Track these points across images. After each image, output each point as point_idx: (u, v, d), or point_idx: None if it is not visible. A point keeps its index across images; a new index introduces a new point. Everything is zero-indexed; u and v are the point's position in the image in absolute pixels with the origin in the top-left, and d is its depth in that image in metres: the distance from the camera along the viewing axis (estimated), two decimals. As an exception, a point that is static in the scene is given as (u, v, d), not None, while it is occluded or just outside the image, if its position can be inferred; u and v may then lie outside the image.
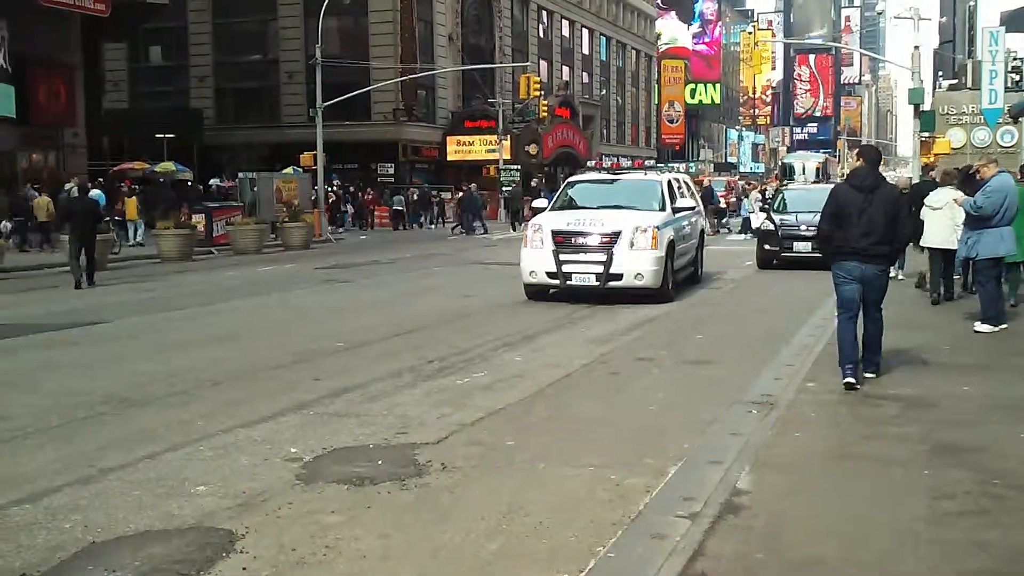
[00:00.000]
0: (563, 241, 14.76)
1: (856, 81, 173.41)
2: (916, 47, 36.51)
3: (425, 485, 5.97)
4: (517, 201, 42.72)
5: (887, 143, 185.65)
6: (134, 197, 31.43)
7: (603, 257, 14.48)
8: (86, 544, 5.03)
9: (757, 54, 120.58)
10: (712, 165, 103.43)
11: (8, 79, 30.94)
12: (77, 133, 36.21)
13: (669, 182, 16.91)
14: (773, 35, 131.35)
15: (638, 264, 14.45)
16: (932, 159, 36.91)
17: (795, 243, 20.81)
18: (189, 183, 41.47)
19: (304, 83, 49.50)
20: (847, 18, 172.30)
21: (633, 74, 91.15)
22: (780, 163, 73.36)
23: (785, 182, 47.09)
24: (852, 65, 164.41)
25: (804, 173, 53.89)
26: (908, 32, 37.67)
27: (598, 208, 15.78)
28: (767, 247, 21.33)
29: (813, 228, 20.48)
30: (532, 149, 55.81)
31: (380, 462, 6.45)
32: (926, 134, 37.07)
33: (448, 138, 55.64)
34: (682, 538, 4.84)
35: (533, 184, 51.49)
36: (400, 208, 43.68)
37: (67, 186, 31.79)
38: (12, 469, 6.41)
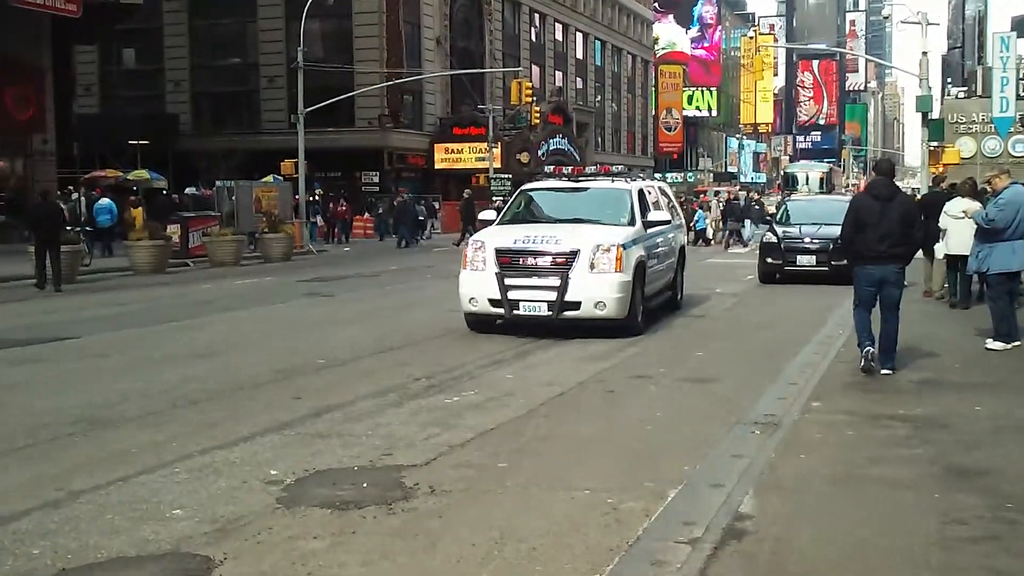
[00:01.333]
0: (509, 262, 12.95)
1: (861, 88, 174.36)
2: (924, 53, 36.63)
3: (413, 509, 5.95)
4: (469, 210, 37.12)
5: (894, 152, 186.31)
6: (140, 208, 31.31)
7: (557, 281, 12.62)
8: (56, 571, 4.99)
9: (759, 60, 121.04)
10: (712, 175, 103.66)
11: (-26, 83, 30.91)
12: (46, 139, 36.17)
13: (641, 192, 14.98)
14: (775, 40, 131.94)
15: (599, 290, 12.62)
16: (941, 169, 37.00)
17: (799, 256, 20.82)
18: (163, 192, 41.40)
19: (285, 88, 49.50)
20: (852, 23, 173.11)
21: (629, 80, 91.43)
22: (783, 173, 73.72)
23: (788, 192, 47.26)
24: (857, 71, 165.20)
25: (808, 183, 54.19)
26: (916, 37, 37.84)
27: (554, 222, 14.26)
28: (769, 260, 21.30)
29: (818, 241, 20.71)
30: (524, 157, 55.92)
31: (365, 485, 6.43)
32: (935, 143, 37.09)
33: (436, 146, 55.73)
34: (682, 565, 4.84)
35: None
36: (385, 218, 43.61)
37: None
38: (-21, 492, 6.37)
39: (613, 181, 15.44)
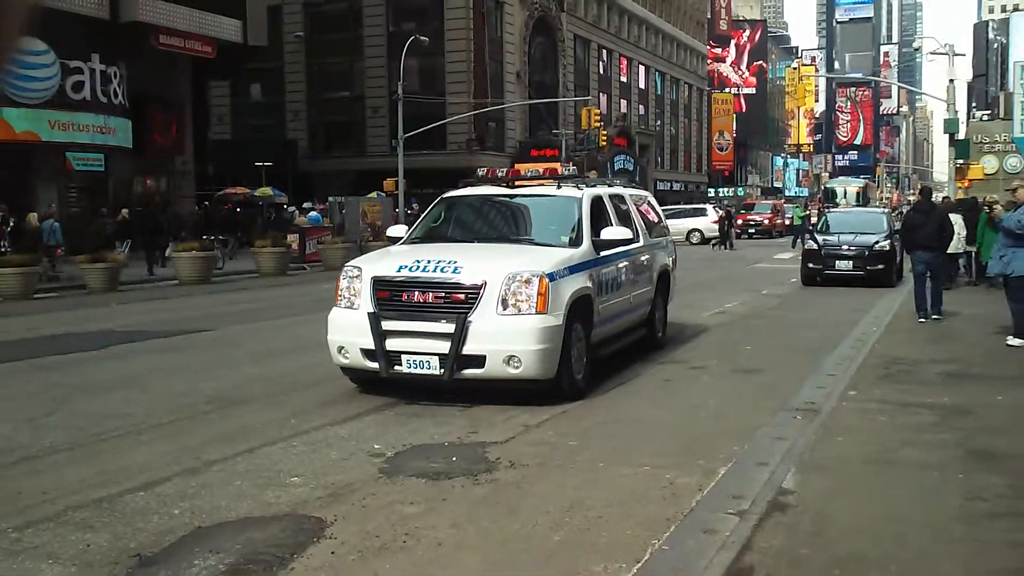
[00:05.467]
0: (388, 297, 8.32)
1: (894, 112, 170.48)
2: (951, 80, 35.85)
3: (495, 480, 5.98)
4: None
5: (924, 169, 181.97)
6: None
7: (451, 327, 7.95)
8: (192, 528, 5.11)
9: (801, 88, 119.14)
10: (759, 189, 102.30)
11: (126, 114, 31.77)
12: (186, 161, 37.06)
13: (597, 201, 9.99)
14: (816, 70, 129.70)
15: (512, 339, 7.92)
16: (966, 184, 36.19)
17: (837, 261, 20.60)
18: (284, 206, 42.10)
19: (387, 116, 50.02)
20: (886, 54, 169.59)
21: (686, 106, 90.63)
22: (823, 188, 72.37)
23: (828, 205, 46.55)
24: (891, 97, 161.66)
25: (845, 197, 53.14)
26: (943, 67, 36.98)
27: (469, 242, 9.54)
28: (811, 265, 21.09)
29: (855, 248, 20.47)
30: (592, 175, 55.63)
31: (454, 459, 6.47)
32: (961, 161, 36.41)
33: (516, 165, 55.74)
34: (731, 533, 4.79)
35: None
36: None
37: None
38: (129, 460, 6.55)
39: (559, 187, 10.07)
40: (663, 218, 12.94)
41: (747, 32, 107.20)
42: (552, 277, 8.19)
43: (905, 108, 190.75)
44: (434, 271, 8.27)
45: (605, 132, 56.00)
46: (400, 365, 8.20)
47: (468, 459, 6.45)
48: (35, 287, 20.45)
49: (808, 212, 43.78)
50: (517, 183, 10.39)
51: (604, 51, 70.38)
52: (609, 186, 11.39)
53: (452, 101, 49.55)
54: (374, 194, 39.50)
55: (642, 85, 78.57)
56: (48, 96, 28.28)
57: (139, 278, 24.56)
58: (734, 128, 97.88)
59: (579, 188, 10.04)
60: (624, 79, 74.50)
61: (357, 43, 53.95)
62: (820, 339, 12.39)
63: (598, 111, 56.67)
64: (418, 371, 8.15)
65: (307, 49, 55.36)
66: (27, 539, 4.96)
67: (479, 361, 7.97)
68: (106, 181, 32.58)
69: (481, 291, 8.04)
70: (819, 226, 23.56)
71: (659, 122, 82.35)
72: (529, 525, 5.11)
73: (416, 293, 8.23)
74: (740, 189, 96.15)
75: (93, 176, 31.81)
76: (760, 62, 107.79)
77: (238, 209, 38.83)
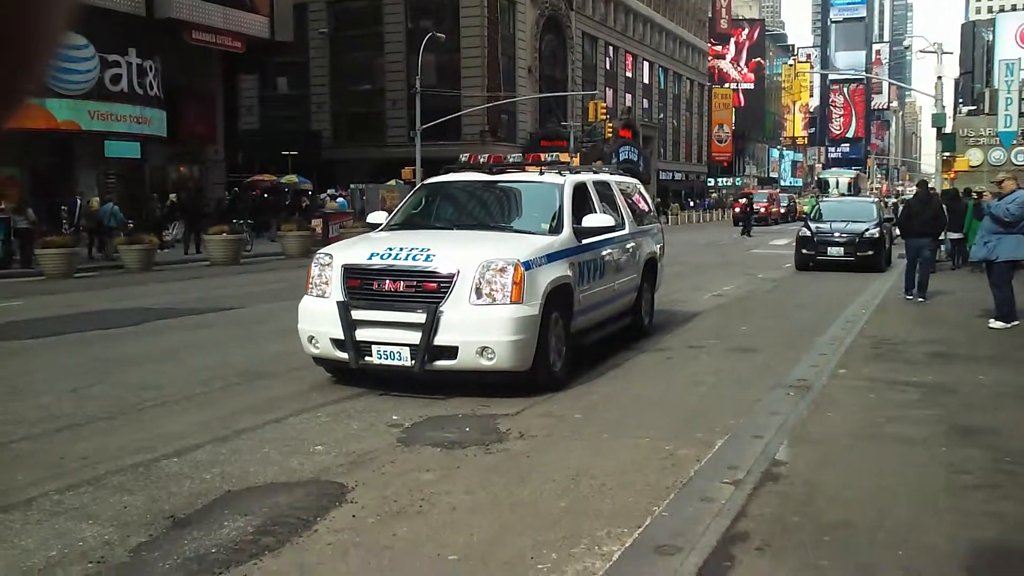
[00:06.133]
0: (359, 285, 7.72)
1: (885, 107, 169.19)
2: (939, 77, 35.52)
3: (505, 450, 5.99)
4: None
5: (912, 161, 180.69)
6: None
7: (422, 316, 7.34)
8: (223, 492, 5.14)
9: (797, 83, 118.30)
10: (756, 179, 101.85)
11: (161, 105, 31.76)
12: (217, 150, 37.05)
13: (579, 188, 9.25)
14: (811, 67, 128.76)
15: (485, 330, 7.29)
16: (952, 175, 35.98)
17: (829, 248, 20.54)
18: (309, 192, 42.11)
19: (405, 108, 49.83)
20: (877, 52, 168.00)
21: (687, 100, 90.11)
22: (816, 178, 71.99)
23: (821, 194, 46.34)
24: (882, 93, 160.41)
25: (838, 187, 52.86)
26: (932, 64, 36.68)
27: (448, 229, 8.83)
28: (804, 251, 21.01)
29: (846, 235, 20.39)
30: (598, 165, 55.55)
31: (467, 429, 6.49)
32: (947, 153, 36.22)
33: (527, 155, 55.64)
34: (727, 501, 4.79)
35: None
36: None
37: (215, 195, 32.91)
38: (163, 428, 6.58)
39: (542, 173, 9.45)
40: (652, 206, 12.27)
41: (746, 31, 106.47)
42: (528, 265, 7.54)
43: (895, 103, 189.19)
44: (406, 259, 7.62)
45: (611, 124, 55.86)
46: (370, 356, 7.56)
47: (480, 430, 6.47)
48: (76, 266, 20.51)
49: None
50: (500, 169, 9.82)
51: (611, 48, 69.99)
52: (595, 173, 10.52)
53: (467, 94, 49.36)
54: (393, 182, 39.47)
55: (646, 80, 78.15)
56: (88, 87, 28.27)
57: (173, 259, 24.65)
58: (733, 121, 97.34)
59: (562, 175, 9.29)
60: (629, 74, 74.12)
61: (378, 39, 53.76)
62: (813, 320, 12.35)
63: (604, 104, 56.47)
64: (388, 362, 7.52)
65: (331, 45, 55.21)
66: (68, 501, 4.99)
67: (451, 352, 7.33)
68: (142, 168, 32.65)
69: (454, 280, 7.39)
70: (812, 214, 23.48)
71: (662, 115, 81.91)
72: (537, 492, 5.12)
73: (387, 281, 7.59)
74: (738, 179, 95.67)
75: (130, 163, 31.89)
76: (758, 59, 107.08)
77: (265, 195, 38.88)
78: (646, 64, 77.69)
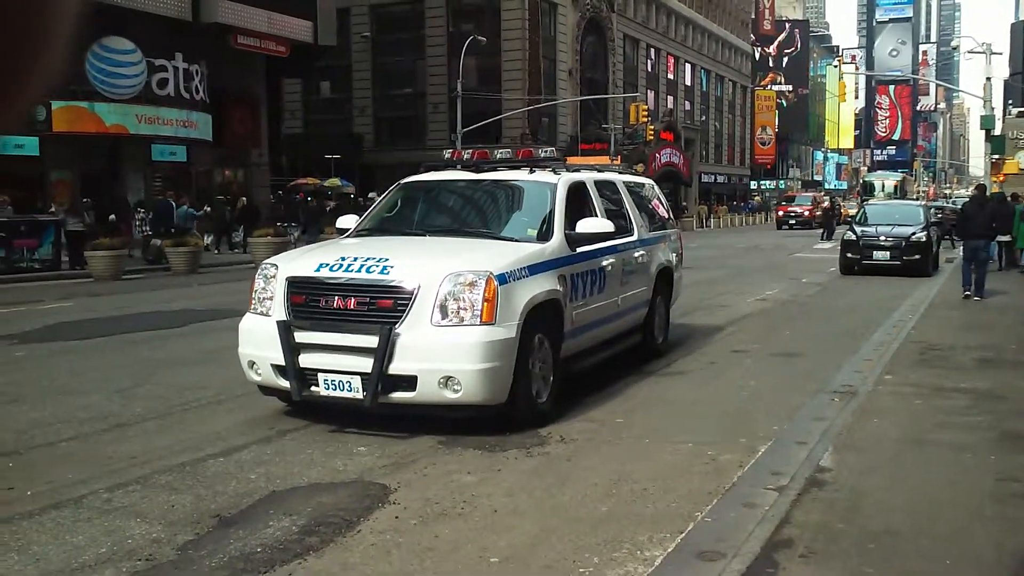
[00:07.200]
0: (304, 302, 6.60)
1: (932, 109, 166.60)
2: (988, 78, 34.97)
3: (546, 453, 5.99)
4: None
5: (960, 164, 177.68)
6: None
7: (374, 340, 6.18)
8: (268, 492, 5.21)
9: (842, 85, 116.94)
10: (800, 182, 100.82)
11: (206, 109, 32.22)
12: (262, 154, 37.48)
13: (575, 188, 8.08)
14: (856, 69, 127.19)
15: (449, 356, 6.15)
16: (1001, 178, 35.35)
17: (875, 252, 20.26)
18: (351, 196, 42.47)
19: (446, 112, 50.09)
20: (924, 52, 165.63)
21: (730, 103, 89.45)
22: (861, 181, 71.04)
23: (866, 198, 45.73)
24: (928, 94, 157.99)
25: (883, 190, 52.11)
26: (981, 65, 36.08)
27: (420, 235, 7.66)
28: (849, 255, 20.76)
29: (892, 239, 20.11)
30: (639, 168, 55.07)
31: (508, 433, 6.50)
32: (996, 156, 35.58)
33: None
34: (771, 507, 4.75)
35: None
36: None
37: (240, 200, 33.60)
38: (209, 429, 6.68)
39: (532, 172, 8.22)
40: (668, 209, 10.96)
41: (785, 32, 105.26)
42: (503, 279, 6.32)
43: (943, 105, 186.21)
44: (358, 271, 6.44)
45: (652, 127, 55.54)
46: (316, 386, 6.44)
47: (521, 433, 6.47)
48: (124, 268, 20.89)
49: None
50: (486, 167, 8.52)
51: (652, 50, 69.72)
52: (598, 172, 9.37)
53: (507, 98, 49.48)
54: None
55: (688, 82, 77.71)
56: (135, 92, 28.78)
57: (221, 260, 25.00)
58: (776, 123, 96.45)
59: (555, 173, 8.17)
60: (671, 76, 73.76)
61: (419, 43, 54.06)
62: (858, 325, 12.20)
63: (646, 107, 56.19)
64: (336, 393, 6.36)
65: (373, 48, 55.61)
66: (117, 499, 5.09)
67: (409, 383, 6.17)
68: (188, 171, 33.16)
69: (413, 296, 6.22)
70: (857, 218, 23.19)
71: (704, 117, 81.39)
72: (578, 496, 5.12)
73: (336, 298, 6.42)
74: (781, 182, 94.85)
75: (176, 167, 32.42)
76: (800, 59, 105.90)
77: (308, 198, 39.26)
78: (688, 66, 77.26)
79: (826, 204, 41.51)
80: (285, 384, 6.59)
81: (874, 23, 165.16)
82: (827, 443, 6.08)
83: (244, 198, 30.99)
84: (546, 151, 8.93)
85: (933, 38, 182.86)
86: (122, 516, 4.81)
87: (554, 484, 5.34)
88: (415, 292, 6.23)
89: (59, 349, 10.50)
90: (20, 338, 11.29)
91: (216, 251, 28.09)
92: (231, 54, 32.41)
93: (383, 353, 6.11)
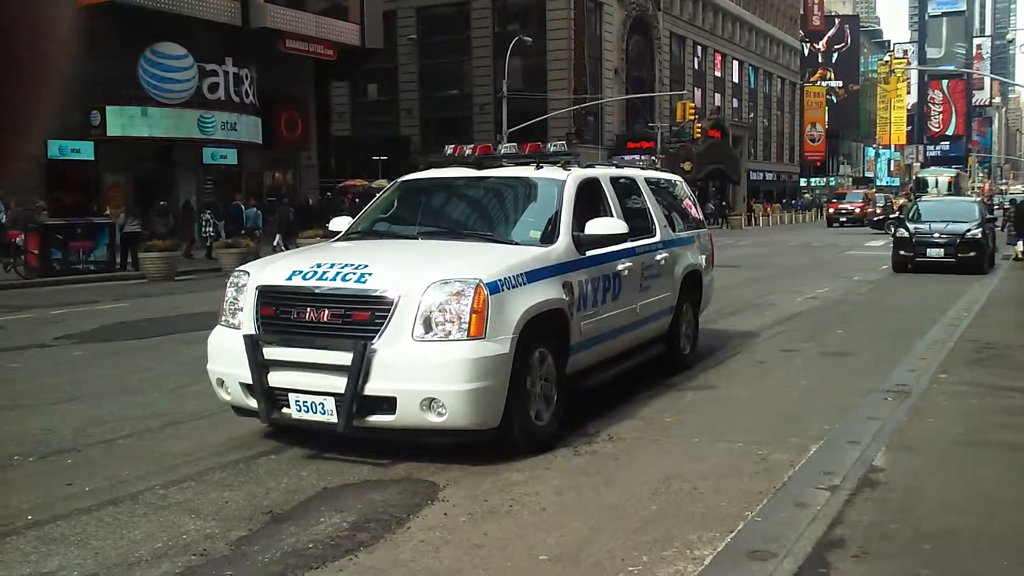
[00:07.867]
0: (274, 314, 5.96)
1: (987, 103, 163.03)
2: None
3: (594, 452, 5.98)
4: None
5: (1016, 159, 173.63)
6: None
7: (348, 357, 5.53)
8: (319, 489, 5.27)
9: (893, 80, 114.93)
10: (851, 179, 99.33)
11: (256, 112, 32.68)
12: (310, 156, 37.91)
13: (587, 186, 7.41)
14: (908, 63, 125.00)
15: (432, 375, 5.49)
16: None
17: (928, 249, 19.90)
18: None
19: (492, 113, 50.19)
20: (978, 46, 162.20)
21: (779, 99, 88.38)
22: (914, 177, 69.78)
23: (919, 195, 44.92)
24: (983, 89, 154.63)
25: (937, 187, 51.13)
26: (1039, 57, 35.22)
27: (412, 238, 7.07)
28: (902, 253, 20.41)
29: (946, 236, 19.73)
30: (687, 166, 54.75)
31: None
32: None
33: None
34: (822, 507, 4.69)
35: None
36: None
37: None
38: (260, 426, 6.73)
39: (538, 168, 7.57)
40: (698, 208, 10.25)
41: (835, 28, 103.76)
42: (495, 287, 5.62)
43: (998, 99, 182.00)
44: (333, 279, 5.78)
45: (699, 125, 55.14)
46: (288, 407, 5.81)
47: (569, 432, 6.47)
48: (177, 269, 21.27)
49: None
50: (490, 163, 7.87)
51: (699, 47, 69.17)
52: (616, 167, 8.78)
53: (553, 97, 49.42)
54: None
55: (736, 79, 76.93)
56: (187, 96, 29.28)
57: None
58: (826, 120, 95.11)
59: (565, 168, 7.47)
60: (718, 74, 73.12)
61: (465, 44, 54.27)
62: (911, 324, 11.98)
63: (693, 104, 55.76)
64: (309, 416, 5.73)
65: (419, 50, 55.92)
66: (172, 495, 5.19)
67: (388, 405, 5.52)
68: (239, 174, 33.67)
69: (393, 307, 5.56)
70: (910, 214, 22.81)
71: (752, 114, 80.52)
72: (627, 494, 5.10)
73: (308, 309, 5.77)
74: (832, 179, 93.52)
75: (227, 169, 32.94)
76: (851, 55, 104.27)
77: (357, 200, 39.60)
78: (735, 63, 76.50)
79: (903, 202, 40.70)
80: (249, 403, 6.02)
81: (926, 17, 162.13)
82: (880, 443, 5.99)
83: (309, 198, 31.69)
84: (555, 145, 8.06)
85: (987, 31, 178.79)
86: (177, 512, 4.90)
87: (602, 483, 5.33)
88: (395, 303, 5.56)
89: (115, 349, 10.73)
90: (78, 338, 11.56)
91: (284, 249, 28.42)
92: (280, 58, 32.84)
93: (358, 371, 5.45)
